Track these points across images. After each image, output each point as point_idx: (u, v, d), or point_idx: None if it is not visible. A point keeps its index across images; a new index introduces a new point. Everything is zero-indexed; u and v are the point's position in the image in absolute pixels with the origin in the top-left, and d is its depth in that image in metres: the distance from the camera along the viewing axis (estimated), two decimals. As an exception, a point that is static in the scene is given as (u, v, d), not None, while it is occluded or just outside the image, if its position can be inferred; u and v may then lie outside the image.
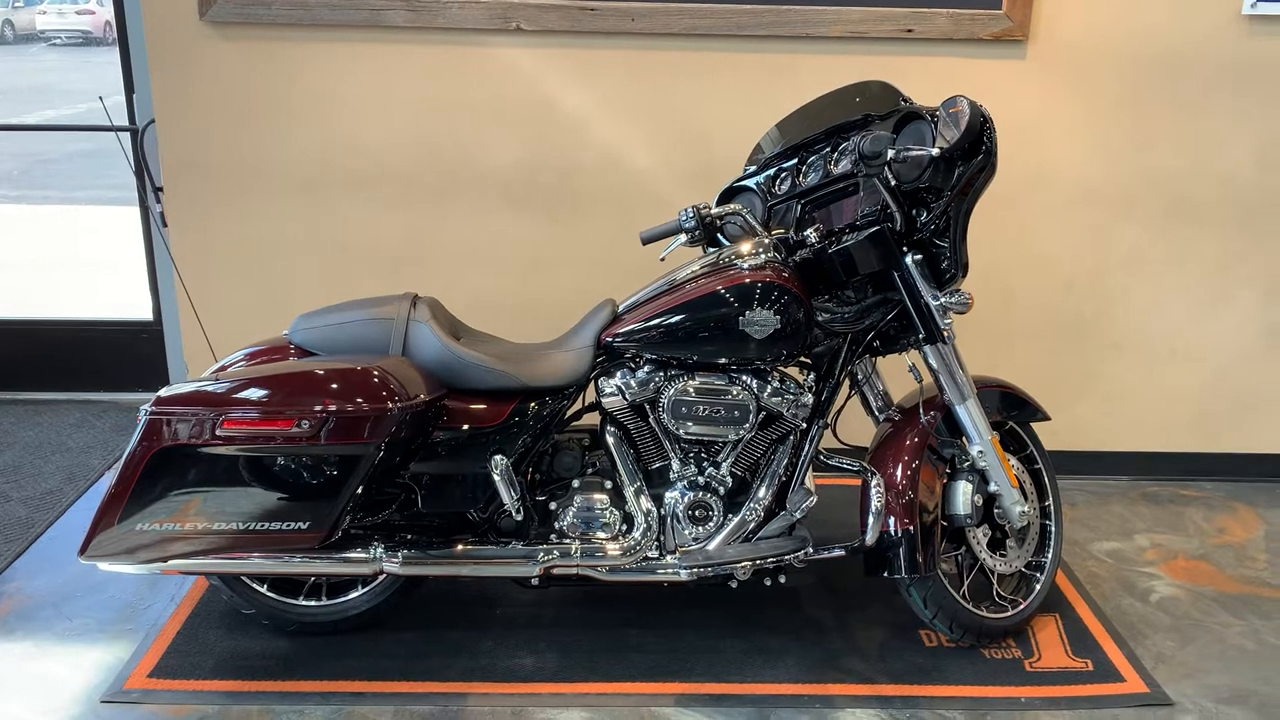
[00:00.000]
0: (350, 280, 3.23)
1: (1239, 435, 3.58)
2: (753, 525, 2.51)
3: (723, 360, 2.45)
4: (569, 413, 2.55)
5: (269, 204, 3.30)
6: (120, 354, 3.89)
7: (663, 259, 2.59)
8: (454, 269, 3.34)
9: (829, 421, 2.58)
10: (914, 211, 2.40)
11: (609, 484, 2.55)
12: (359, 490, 2.29)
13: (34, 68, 15.01)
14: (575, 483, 2.55)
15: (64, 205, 8.15)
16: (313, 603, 2.58)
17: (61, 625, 2.66)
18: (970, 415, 2.54)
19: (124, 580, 2.79)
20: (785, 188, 2.59)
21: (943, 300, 2.42)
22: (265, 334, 2.59)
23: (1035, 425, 2.79)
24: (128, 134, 3.45)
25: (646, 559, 2.49)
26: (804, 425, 2.52)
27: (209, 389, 2.27)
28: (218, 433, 2.22)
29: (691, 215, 2.49)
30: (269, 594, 2.56)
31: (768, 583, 2.56)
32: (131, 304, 4.15)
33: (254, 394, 2.25)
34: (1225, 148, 3.28)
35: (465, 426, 2.44)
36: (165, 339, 3.76)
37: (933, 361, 2.52)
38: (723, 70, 3.19)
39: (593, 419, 2.59)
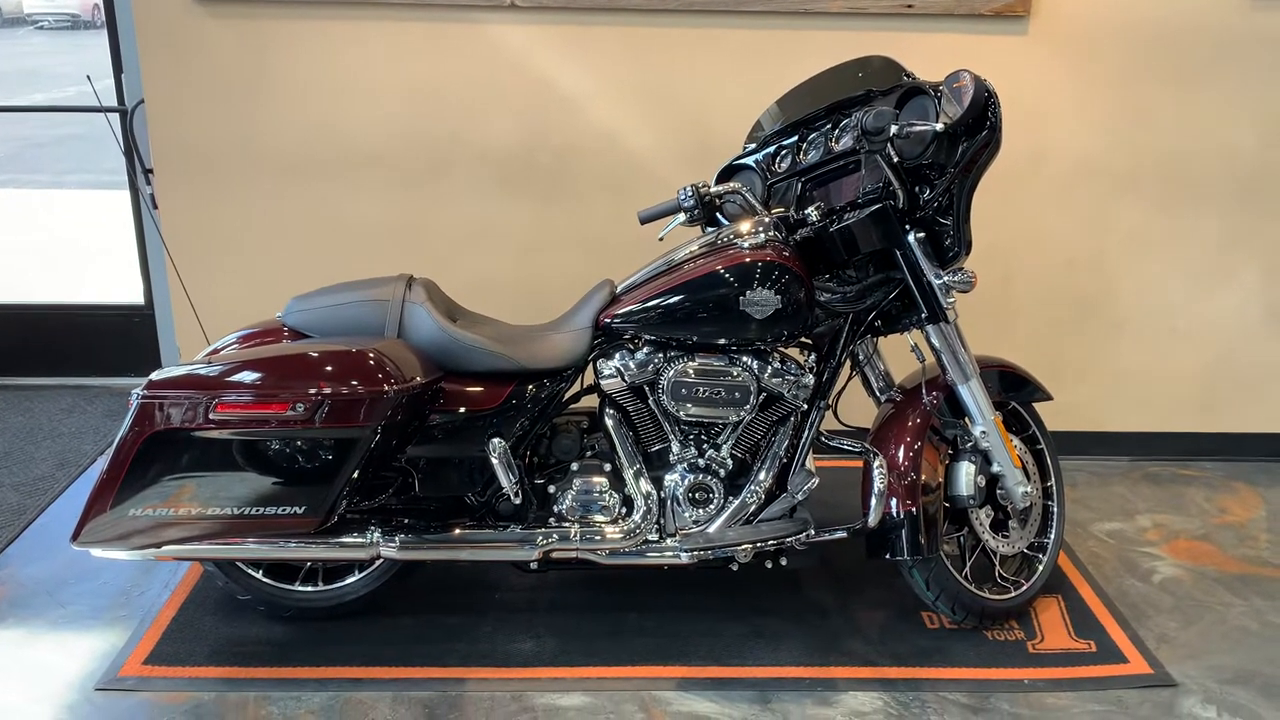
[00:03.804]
0: (344, 262, 3.18)
1: (1240, 414, 3.56)
2: (753, 507, 2.49)
3: (723, 341, 2.42)
4: (567, 395, 2.52)
5: (261, 185, 3.26)
6: (112, 338, 3.85)
7: (661, 239, 2.56)
8: (449, 250, 3.30)
9: (830, 402, 2.56)
10: (917, 189, 2.37)
11: (608, 467, 2.52)
12: (355, 474, 2.26)
13: (22, 51, 14.89)
14: (574, 465, 2.53)
15: (53, 189, 8.08)
16: (309, 588, 2.55)
17: (55, 612, 2.63)
18: (973, 395, 2.51)
19: (118, 566, 2.75)
20: (785, 165, 2.55)
21: (945, 279, 2.39)
22: (258, 317, 2.55)
23: (1037, 405, 2.77)
24: (116, 115, 3.40)
25: (646, 542, 2.46)
26: (805, 406, 2.50)
27: (201, 372, 2.23)
28: (211, 416, 2.19)
29: (690, 194, 2.45)
30: (265, 579, 2.53)
31: (769, 565, 2.54)
32: (123, 288, 4.10)
33: (247, 377, 2.22)
34: (1228, 124, 3.25)
35: (462, 409, 2.41)
36: (157, 322, 3.71)
37: (935, 341, 2.50)
38: (721, 47, 3.15)
39: (591, 401, 2.56)
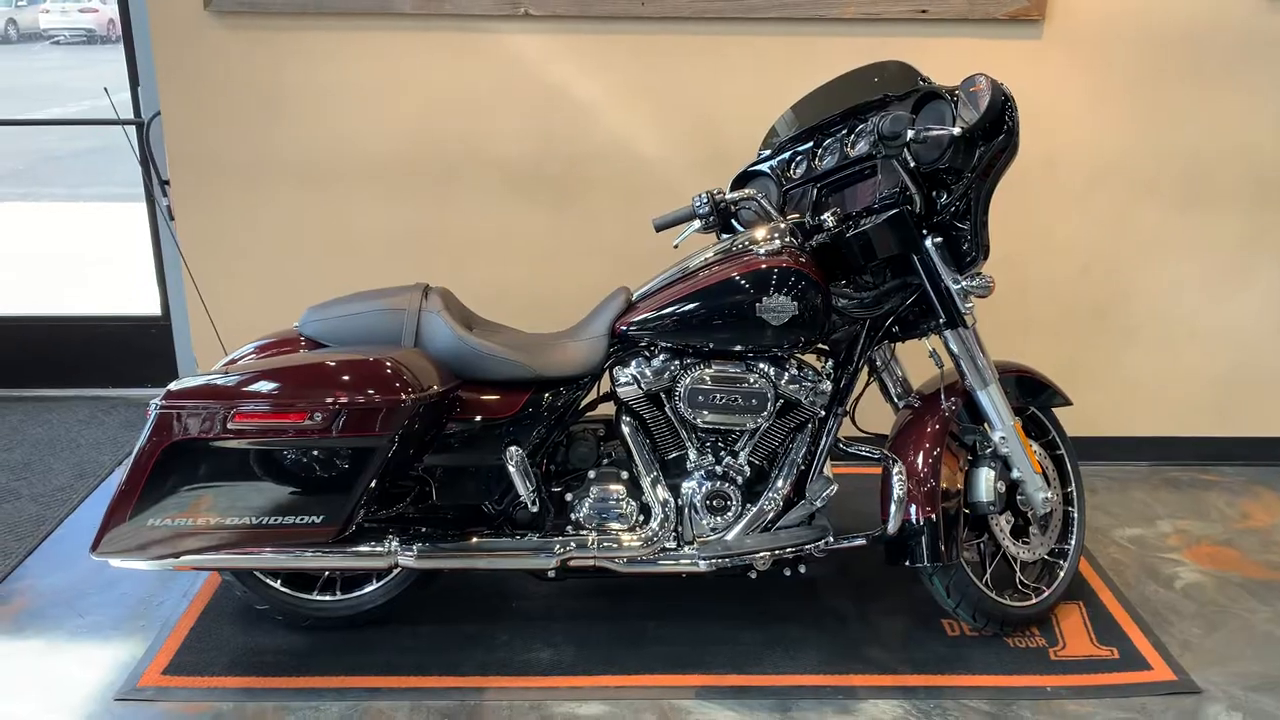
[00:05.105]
0: (361, 271, 3.18)
1: (1261, 418, 3.53)
2: (771, 515, 2.47)
3: (739, 348, 2.41)
4: (584, 403, 2.52)
5: (277, 195, 3.27)
6: (129, 349, 3.86)
7: (676, 246, 2.55)
8: (464, 259, 3.31)
9: (848, 409, 2.54)
10: (934, 193, 2.36)
11: (625, 474, 2.51)
12: (373, 483, 2.26)
13: (39, 66, 14.99)
14: (591, 473, 2.52)
15: (70, 202, 8.14)
16: (327, 597, 2.55)
17: (74, 623, 2.63)
18: (992, 401, 2.49)
19: (136, 577, 2.76)
20: (801, 171, 2.54)
21: (964, 284, 2.37)
22: (275, 326, 2.55)
23: (1057, 410, 2.75)
24: (133, 127, 3.42)
25: (664, 550, 2.45)
26: (822, 413, 2.49)
27: (219, 382, 2.24)
28: (229, 426, 2.19)
29: (705, 201, 2.45)
30: (283, 589, 2.53)
31: (787, 573, 2.53)
32: (140, 299, 4.12)
33: (265, 387, 2.22)
34: (1245, 125, 3.23)
35: (479, 418, 2.41)
36: (174, 333, 3.73)
37: (953, 346, 2.48)
38: (735, 54, 3.14)
39: (608, 409, 2.56)
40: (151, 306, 3.85)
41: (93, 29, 17.16)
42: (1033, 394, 2.69)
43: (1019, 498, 2.57)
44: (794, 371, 2.45)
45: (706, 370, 2.42)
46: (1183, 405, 3.51)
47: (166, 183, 3.29)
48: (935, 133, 2.23)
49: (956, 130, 2.21)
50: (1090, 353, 3.44)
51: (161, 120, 3.21)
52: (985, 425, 2.53)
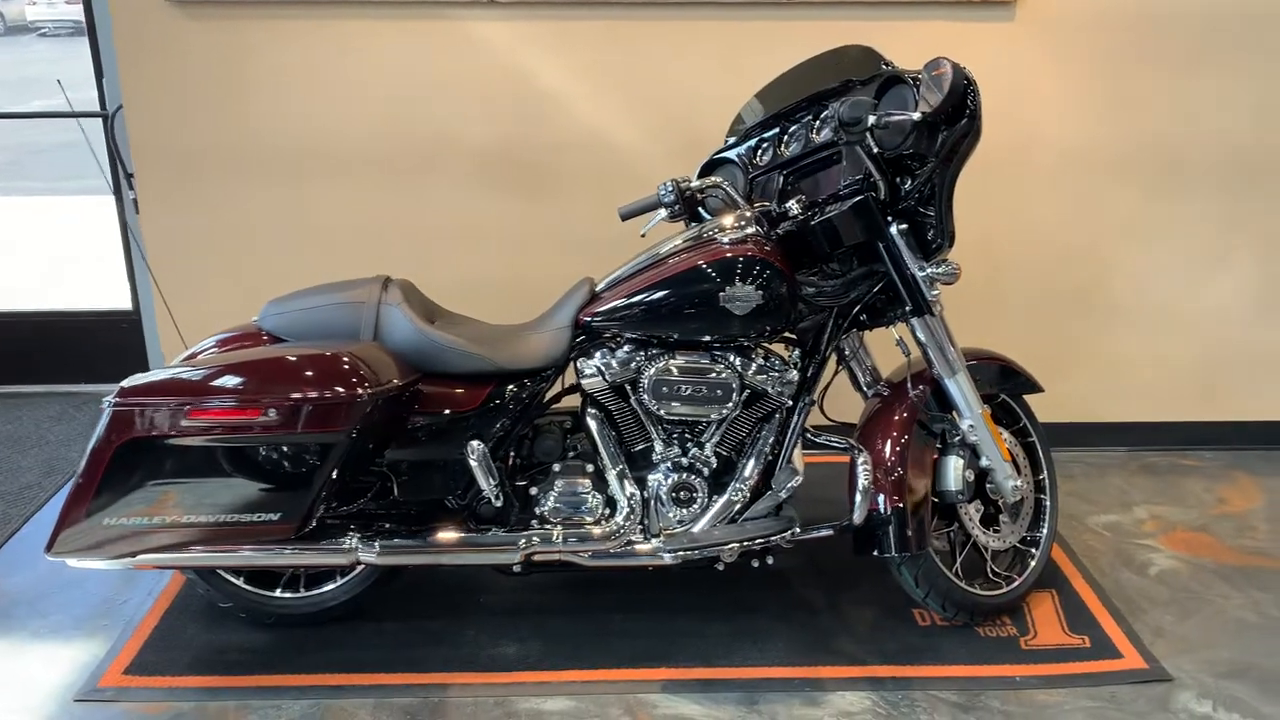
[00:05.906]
0: (329, 262, 3.14)
1: (1238, 402, 3.51)
2: (738, 506, 2.45)
3: (705, 338, 2.38)
4: (548, 395, 2.49)
5: (242, 186, 3.23)
6: (99, 344, 3.83)
7: (643, 235, 2.51)
8: (431, 250, 3.27)
9: (815, 398, 2.51)
10: (898, 180, 2.32)
11: (591, 467, 2.48)
12: (332, 479, 2.23)
13: (25, 59, 14.89)
14: (556, 467, 2.49)
15: (50, 196, 8.07)
16: (290, 595, 2.53)
17: (36, 623, 2.60)
18: (960, 389, 2.47)
19: (101, 576, 2.73)
20: (767, 159, 2.51)
21: (929, 271, 2.34)
22: (246, 319, 2.52)
23: (1029, 397, 2.72)
24: (93, 120, 3.38)
25: (630, 543, 2.43)
26: (790, 403, 2.46)
27: (174, 378, 2.21)
28: (184, 423, 2.16)
29: (671, 189, 2.42)
30: (246, 586, 2.51)
31: (755, 564, 2.51)
32: (113, 294, 4.08)
33: (221, 382, 2.19)
34: (1222, 107, 3.20)
35: (441, 411, 2.38)
36: (144, 328, 3.69)
37: (921, 334, 2.45)
38: (703, 39, 3.10)
39: (573, 401, 2.53)
40: (123, 301, 3.81)
41: (79, 20, 17.03)
42: (1003, 381, 2.66)
43: (988, 486, 2.55)
44: (760, 361, 2.42)
45: (672, 361, 2.39)
46: (1161, 390, 3.49)
47: (131, 175, 3.26)
48: (896, 118, 2.19)
49: (916, 115, 2.17)
50: (1067, 338, 3.41)
51: (124, 113, 3.17)
52: (954, 413, 2.51)
